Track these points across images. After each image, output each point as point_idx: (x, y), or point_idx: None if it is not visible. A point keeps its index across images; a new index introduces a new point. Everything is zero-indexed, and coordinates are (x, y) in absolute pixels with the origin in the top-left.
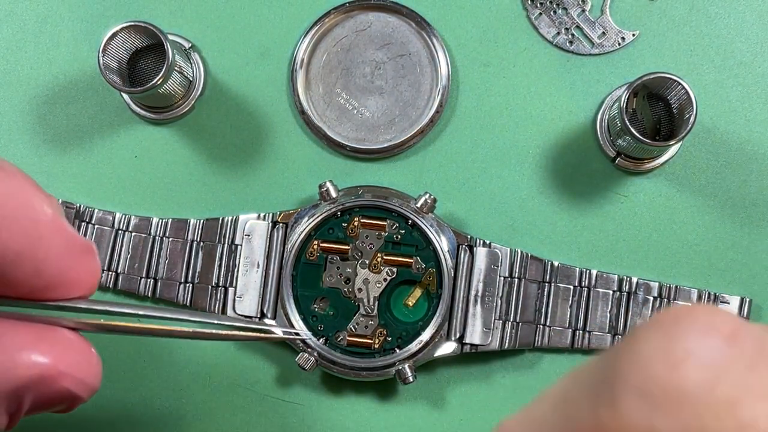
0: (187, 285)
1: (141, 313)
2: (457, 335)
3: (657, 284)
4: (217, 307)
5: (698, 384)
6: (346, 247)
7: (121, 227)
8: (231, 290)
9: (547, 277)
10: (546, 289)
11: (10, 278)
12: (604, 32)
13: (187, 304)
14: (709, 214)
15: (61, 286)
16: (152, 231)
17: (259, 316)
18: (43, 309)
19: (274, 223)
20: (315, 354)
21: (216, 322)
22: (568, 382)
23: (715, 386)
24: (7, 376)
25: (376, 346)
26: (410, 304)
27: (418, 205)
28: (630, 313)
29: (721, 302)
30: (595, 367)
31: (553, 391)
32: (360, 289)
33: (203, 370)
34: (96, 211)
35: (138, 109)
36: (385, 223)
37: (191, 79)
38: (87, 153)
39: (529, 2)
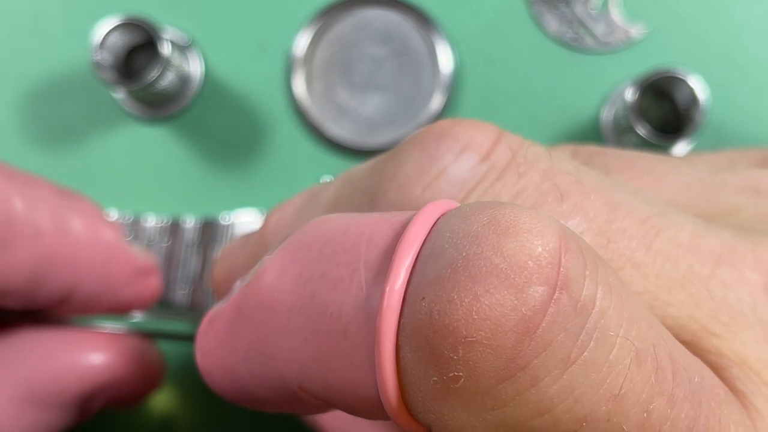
0: (186, 286)
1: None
2: None
3: None
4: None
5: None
6: None
7: None
8: None
9: None
10: None
11: (89, 311)
12: (609, 28)
13: (187, 305)
14: None
15: (131, 307)
16: (148, 232)
17: None
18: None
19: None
20: None
21: None
22: (340, 187)
23: (463, 200)
24: (82, 379)
25: None
26: None
27: None
28: None
29: None
30: (364, 178)
31: (327, 192)
32: None
33: None
34: None
35: (133, 107)
36: None
37: (188, 76)
38: (81, 151)
39: None
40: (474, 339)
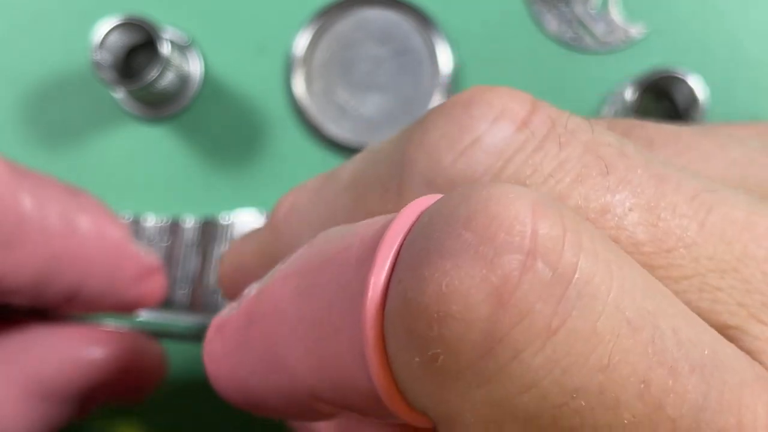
0: (186, 286)
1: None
2: None
3: None
4: (217, 308)
5: (484, 170)
6: None
7: None
8: None
9: None
10: None
11: (94, 309)
12: (609, 28)
13: (187, 305)
14: None
15: (135, 306)
16: (148, 232)
17: None
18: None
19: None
20: None
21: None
22: (361, 164)
23: (501, 171)
24: (85, 373)
25: None
26: None
27: None
28: None
29: None
30: (389, 149)
31: (345, 172)
32: None
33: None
34: None
35: (133, 107)
36: None
37: (187, 76)
38: (81, 151)
39: None
40: (447, 313)
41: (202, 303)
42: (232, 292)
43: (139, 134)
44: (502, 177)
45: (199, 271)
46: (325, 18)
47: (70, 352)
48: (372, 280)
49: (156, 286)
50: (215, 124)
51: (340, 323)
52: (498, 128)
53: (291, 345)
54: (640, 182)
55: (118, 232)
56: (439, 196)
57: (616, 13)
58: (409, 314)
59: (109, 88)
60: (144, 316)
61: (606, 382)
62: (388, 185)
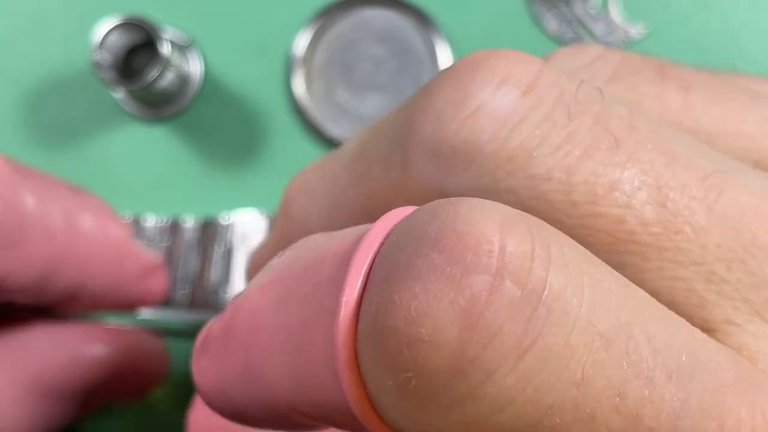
0: (186, 286)
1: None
2: None
3: None
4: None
5: (489, 138)
6: None
7: None
8: (229, 290)
9: None
10: None
11: (96, 308)
12: (609, 28)
13: (187, 304)
14: None
15: (137, 304)
16: (148, 232)
17: None
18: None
19: (272, 222)
20: None
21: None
22: (364, 137)
23: (506, 141)
24: (87, 370)
25: None
26: None
27: None
28: None
29: None
30: (390, 122)
31: (349, 146)
32: None
33: None
34: None
35: (133, 107)
36: None
37: (187, 76)
38: (81, 151)
39: None
40: (416, 337)
41: (202, 303)
42: None
43: (139, 134)
44: (508, 147)
45: (199, 271)
46: (325, 18)
47: (72, 350)
48: (344, 300)
49: (157, 284)
50: (215, 124)
51: (315, 338)
52: (502, 93)
53: (269, 356)
54: (650, 159)
55: (120, 231)
56: (412, 208)
57: (616, 13)
58: (379, 337)
59: (109, 88)
60: (145, 314)
61: (580, 397)
62: (392, 157)
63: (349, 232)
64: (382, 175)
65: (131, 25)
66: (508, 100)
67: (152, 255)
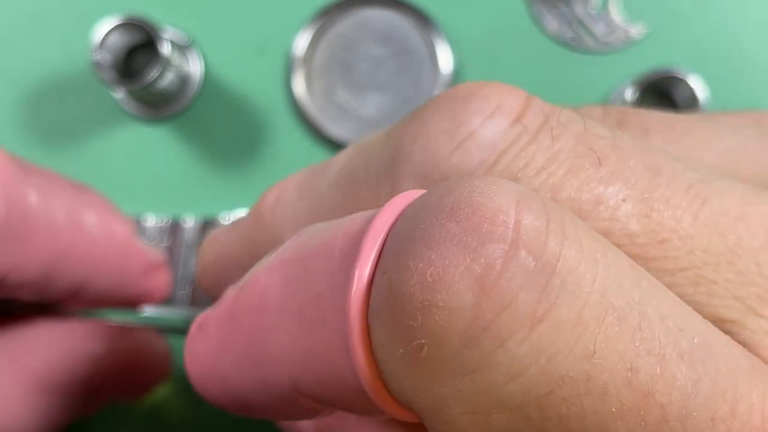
0: (186, 286)
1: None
2: None
3: None
4: None
5: (478, 164)
6: None
7: None
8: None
9: None
10: None
11: (100, 305)
12: (609, 28)
13: (187, 304)
14: None
15: (140, 301)
16: (148, 232)
17: None
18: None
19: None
20: None
21: None
22: (352, 157)
23: (494, 165)
24: (91, 368)
25: None
26: None
27: None
28: None
29: None
30: (381, 144)
31: (334, 165)
32: None
33: None
34: None
35: (133, 107)
36: None
37: (187, 76)
38: (81, 151)
39: None
40: (430, 303)
41: (202, 303)
42: (213, 286)
43: (139, 134)
44: (494, 170)
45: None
46: (325, 18)
47: (76, 347)
48: (357, 272)
49: (161, 281)
50: (215, 124)
51: (325, 315)
52: (493, 123)
53: (275, 337)
54: (633, 173)
55: (124, 228)
56: (421, 191)
57: (616, 13)
58: (393, 304)
59: (109, 88)
60: (148, 311)
61: (592, 370)
62: (381, 181)
63: (358, 215)
64: (371, 196)
65: (131, 25)
66: (498, 129)
67: (155, 252)
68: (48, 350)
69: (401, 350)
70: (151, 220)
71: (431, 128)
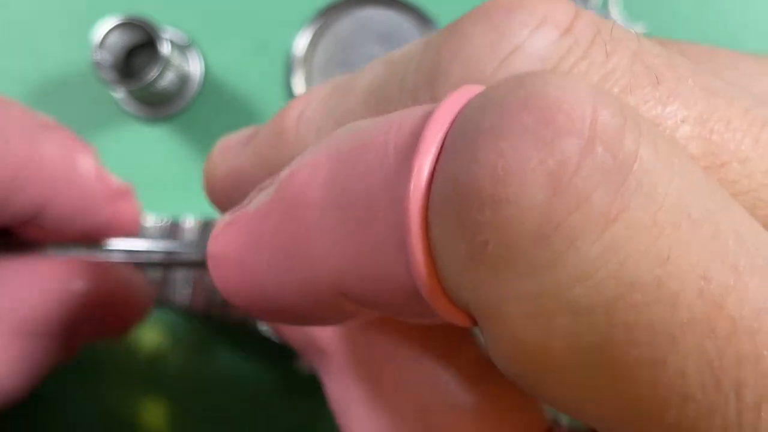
0: (186, 286)
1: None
2: None
3: None
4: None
5: None
6: None
7: None
8: None
9: None
10: None
11: (65, 233)
12: None
13: (187, 304)
14: None
15: (108, 231)
16: (148, 232)
17: None
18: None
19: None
20: None
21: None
22: (384, 72)
23: None
24: (66, 305)
25: None
26: None
27: None
28: None
29: None
30: (416, 55)
31: (362, 81)
32: None
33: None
34: None
35: (133, 107)
36: None
37: (187, 76)
38: None
39: None
40: (500, 197)
41: (203, 303)
42: (225, 200)
43: (139, 134)
44: None
45: (199, 272)
46: (325, 18)
47: (51, 286)
48: (416, 164)
49: (128, 209)
50: (215, 124)
51: (377, 212)
52: (541, 35)
53: (318, 235)
54: (692, 94)
55: (86, 153)
56: (481, 87)
57: (616, 13)
58: (458, 198)
59: (109, 88)
60: (121, 245)
61: (665, 277)
62: (419, 99)
63: (410, 110)
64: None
65: (131, 25)
66: (546, 42)
67: (121, 180)
68: (23, 291)
69: (463, 246)
70: (151, 220)
71: (472, 42)
